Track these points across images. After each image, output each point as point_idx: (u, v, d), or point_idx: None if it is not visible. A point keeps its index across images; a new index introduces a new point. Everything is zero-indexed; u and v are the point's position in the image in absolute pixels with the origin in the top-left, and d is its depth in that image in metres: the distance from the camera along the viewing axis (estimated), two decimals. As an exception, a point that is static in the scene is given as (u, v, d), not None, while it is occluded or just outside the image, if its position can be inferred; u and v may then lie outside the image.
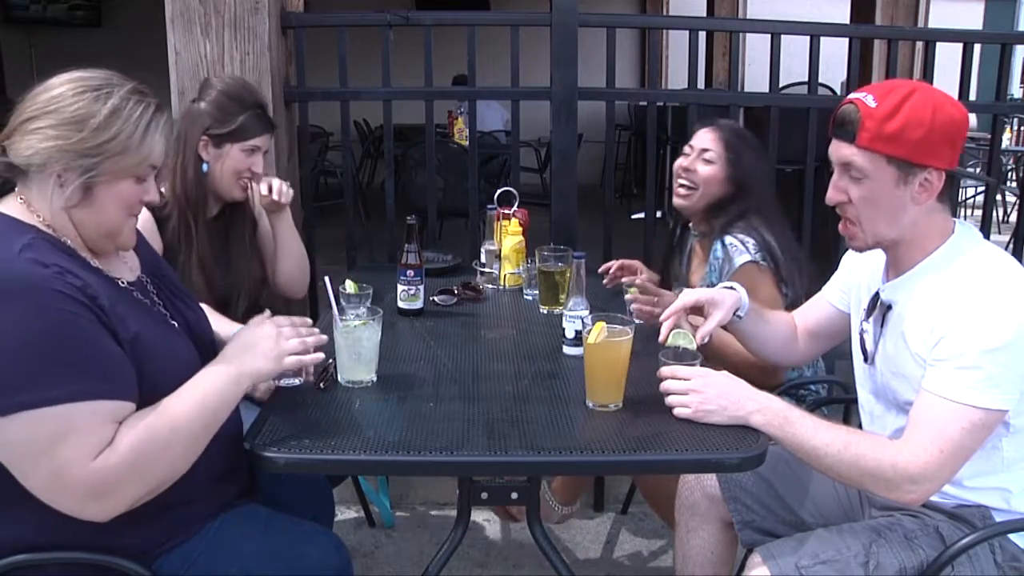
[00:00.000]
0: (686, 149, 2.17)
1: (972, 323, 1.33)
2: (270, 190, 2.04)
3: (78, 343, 1.16)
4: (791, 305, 2.06)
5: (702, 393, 1.44)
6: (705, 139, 2.13)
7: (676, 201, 2.16)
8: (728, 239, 2.03)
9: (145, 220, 1.79)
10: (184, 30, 2.41)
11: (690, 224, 2.24)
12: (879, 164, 1.38)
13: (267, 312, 1.44)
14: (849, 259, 1.71)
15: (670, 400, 1.47)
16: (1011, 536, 1.42)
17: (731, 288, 1.71)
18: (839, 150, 1.42)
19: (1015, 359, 1.31)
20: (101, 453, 1.14)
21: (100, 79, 1.25)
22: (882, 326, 1.52)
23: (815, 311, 1.79)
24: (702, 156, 2.11)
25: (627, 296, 1.93)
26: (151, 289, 1.42)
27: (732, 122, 2.18)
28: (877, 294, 1.53)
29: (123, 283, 1.35)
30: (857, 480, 1.40)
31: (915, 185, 1.38)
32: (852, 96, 1.42)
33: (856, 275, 1.67)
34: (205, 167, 1.98)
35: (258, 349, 1.33)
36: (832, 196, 1.46)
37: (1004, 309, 1.32)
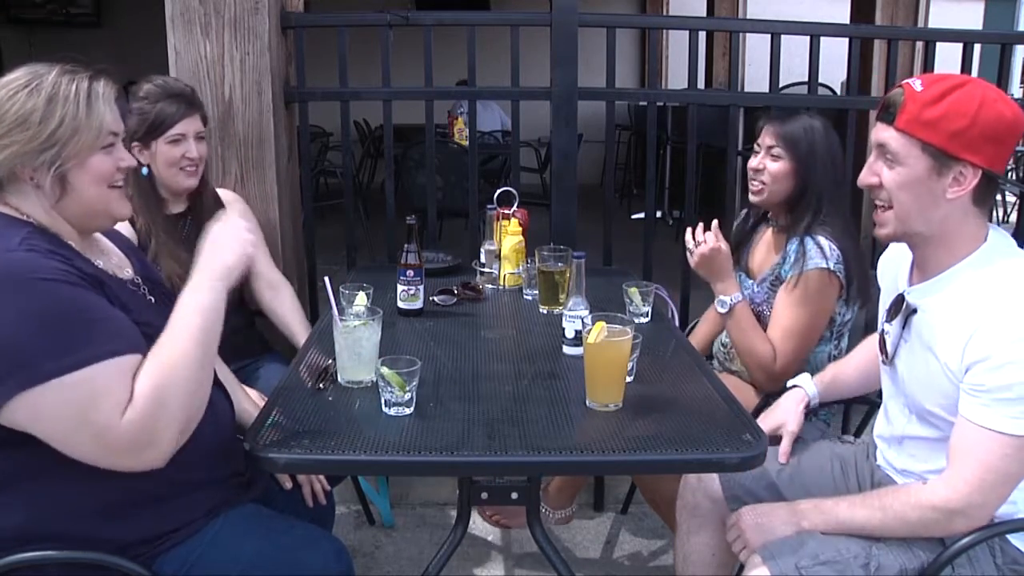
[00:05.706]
0: (755, 147, 2.13)
1: (1013, 350, 1.27)
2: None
3: (87, 311, 1.18)
4: (853, 324, 2.11)
5: (751, 528, 1.51)
6: (770, 136, 2.08)
7: (751, 198, 2.14)
8: (811, 242, 1.98)
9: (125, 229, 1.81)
10: (184, 30, 2.41)
11: (768, 215, 2.21)
12: (913, 150, 1.34)
13: (220, 213, 1.42)
14: (880, 271, 1.68)
15: (736, 546, 1.54)
16: (1011, 539, 1.41)
17: (794, 386, 1.79)
18: (879, 132, 1.39)
19: None
20: (126, 408, 1.16)
21: (25, 75, 1.24)
22: (904, 328, 1.49)
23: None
24: (769, 152, 2.07)
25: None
26: (145, 288, 1.44)
27: (802, 116, 2.10)
28: (902, 296, 1.49)
29: (123, 277, 1.38)
30: (910, 533, 1.40)
31: (948, 178, 1.33)
32: (903, 81, 1.38)
33: (885, 280, 1.64)
34: (145, 171, 2.03)
35: (220, 244, 1.34)
36: (863, 177, 1.42)
37: None
